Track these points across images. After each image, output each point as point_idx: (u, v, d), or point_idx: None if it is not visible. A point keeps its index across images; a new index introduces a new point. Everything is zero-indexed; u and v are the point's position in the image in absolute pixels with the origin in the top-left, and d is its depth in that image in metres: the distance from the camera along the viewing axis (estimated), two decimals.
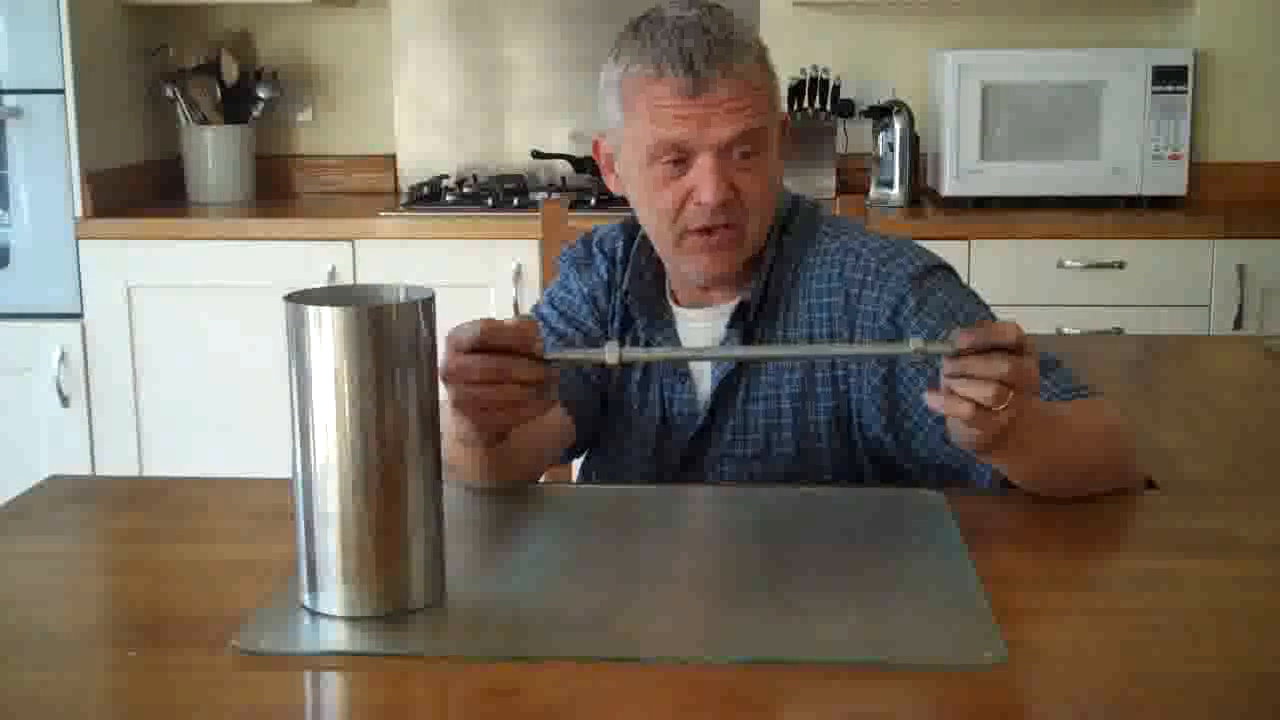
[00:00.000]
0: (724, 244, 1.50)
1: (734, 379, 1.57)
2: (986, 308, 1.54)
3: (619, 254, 1.65)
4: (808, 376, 1.55)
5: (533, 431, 1.47)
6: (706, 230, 1.49)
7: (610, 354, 1.25)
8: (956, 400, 1.20)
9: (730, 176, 1.47)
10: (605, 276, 1.65)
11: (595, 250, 1.67)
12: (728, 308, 1.57)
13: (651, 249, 1.60)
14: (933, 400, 1.23)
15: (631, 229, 1.65)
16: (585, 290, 1.65)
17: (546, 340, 1.60)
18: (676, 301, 1.62)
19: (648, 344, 1.61)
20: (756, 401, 1.56)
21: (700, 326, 1.60)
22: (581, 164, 3.56)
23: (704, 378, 1.59)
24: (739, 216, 1.50)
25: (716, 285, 1.58)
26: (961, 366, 1.20)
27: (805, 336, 1.55)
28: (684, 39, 1.45)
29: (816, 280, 1.56)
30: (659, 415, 1.61)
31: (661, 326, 1.61)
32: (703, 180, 1.47)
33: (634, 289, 1.61)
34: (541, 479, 1.61)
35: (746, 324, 1.56)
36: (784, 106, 1.61)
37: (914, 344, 1.20)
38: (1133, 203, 3.36)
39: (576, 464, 1.77)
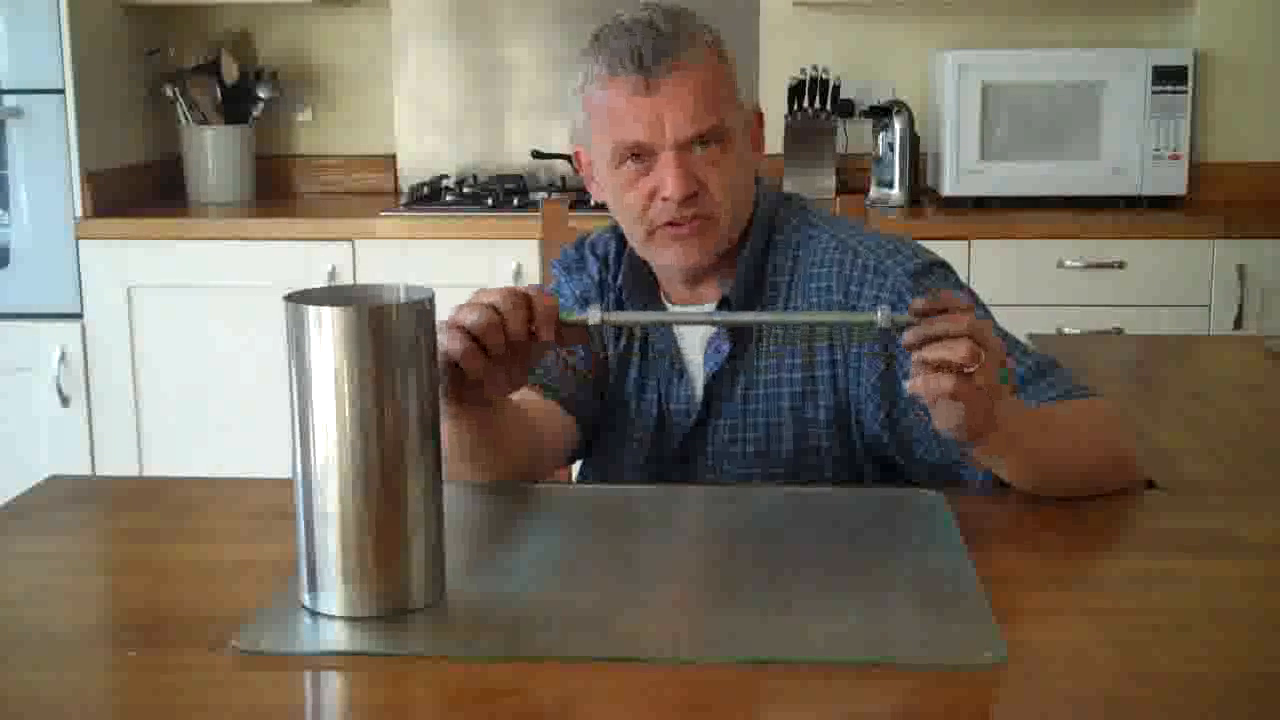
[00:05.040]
0: (693, 233, 1.52)
1: (725, 374, 1.57)
2: (984, 306, 1.54)
3: (611, 256, 1.67)
4: (807, 375, 1.55)
5: (530, 424, 1.47)
6: (674, 224, 1.51)
7: (593, 315, 1.29)
8: (933, 373, 1.20)
9: (694, 170, 1.49)
10: (597, 277, 1.66)
11: (587, 253, 1.69)
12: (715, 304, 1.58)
13: None
14: (913, 384, 1.22)
15: (623, 232, 1.66)
16: (577, 292, 1.66)
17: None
18: (670, 301, 1.63)
19: (644, 342, 1.63)
20: (756, 400, 1.57)
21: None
22: None
23: (699, 374, 1.60)
24: (708, 208, 1.51)
25: (696, 278, 1.58)
26: (925, 327, 1.20)
27: (804, 333, 1.55)
28: (633, 37, 1.49)
29: (814, 278, 1.56)
30: (655, 412, 1.61)
31: (657, 324, 1.62)
32: (665, 177, 1.49)
33: (629, 287, 1.62)
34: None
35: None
36: (754, 96, 1.63)
37: (881, 314, 1.22)
38: (1133, 203, 3.36)
39: (575, 464, 1.77)
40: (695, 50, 1.49)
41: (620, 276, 1.63)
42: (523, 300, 1.29)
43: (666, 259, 1.55)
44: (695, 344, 1.60)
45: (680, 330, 1.61)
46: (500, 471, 1.45)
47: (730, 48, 1.55)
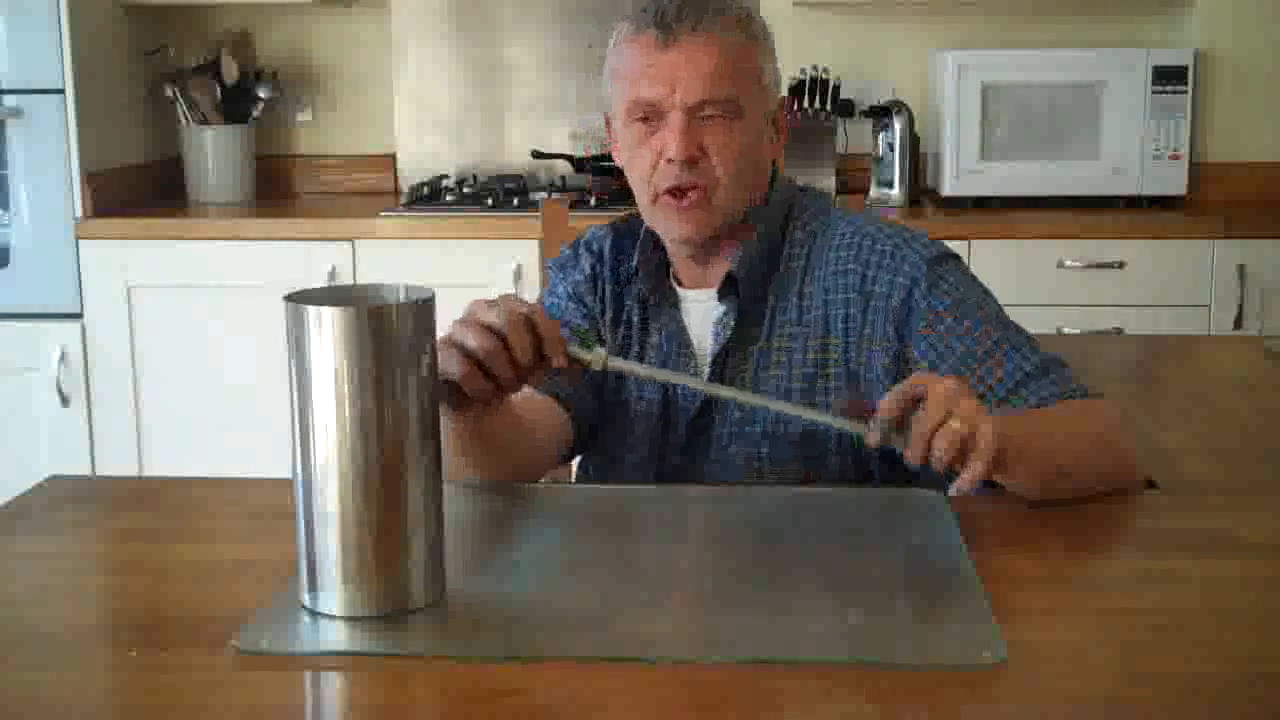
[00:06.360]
0: (691, 206, 1.53)
1: (734, 357, 1.58)
2: (991, 296, 1.56)
3: (606, 249, 1.68)
4: (820, 359, 1.55)
5: (527, 424, 1.47)
6: (678, 190, 1.52)
7: (596, 359, 1.31)
8: (939, 440, 1.21)
9: (699, 137, 1.50)
10: (589, 272, 1.67)
11: (581, 250, 1.70)
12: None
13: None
14: (912, 456, 1.24)
15: (621, 227, 1.68)
16: (570, 290, 1.67)
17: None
18: (680, 283, 1.64)
19: (644, 324, 1.63)
20: (767, 381, 1.57)
21: (701, 305, 1.61)
22: (581, 164, 3.56)
23: (706, 357, 1.60)
24: (708, 177, 1.52)
25: (705, 258, 1.59)
26: (918, 439, 1.22)
27: (820, 316, 1.56)
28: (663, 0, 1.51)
29: (832, 262, 1.57)
30: (661, 397, 1.61)
31: (665, 307, 1.63)
32: (669, 138, 1.50)
33: (642, 267, 1.63)
34: (542, 479, 1.61)
35: (740, 299, 1.57)
36: (780, 88, 1.63)
37: (871, 425, 1.24)
38: (1133, 203, 3.36)
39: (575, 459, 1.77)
40: (722, 20, 1.51)
41: (611, 270, 1.65)
42: (525, 324, 1.29)
43: (667, 230, 1.57)
44: (703, 326, 1.61)
45: (687, 310, 1.62)
46: (494, 470, 1.45)
47: (766, 34, 1.56)
